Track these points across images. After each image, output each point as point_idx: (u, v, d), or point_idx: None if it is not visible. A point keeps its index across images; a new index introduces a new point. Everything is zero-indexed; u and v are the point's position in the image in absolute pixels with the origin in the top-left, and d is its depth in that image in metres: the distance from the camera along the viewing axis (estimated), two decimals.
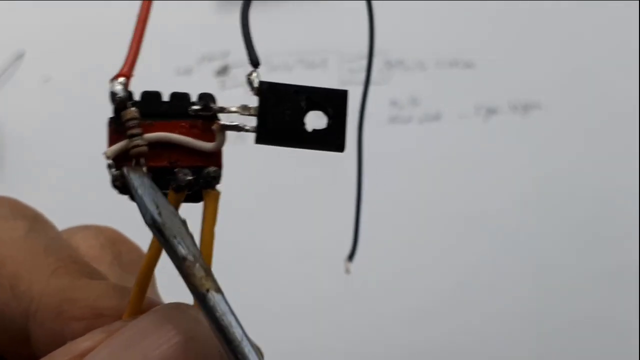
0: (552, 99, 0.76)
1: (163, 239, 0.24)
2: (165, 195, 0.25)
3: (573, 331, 0.68)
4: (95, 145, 0.74)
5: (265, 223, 0.71)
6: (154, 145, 0.25)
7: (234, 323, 0.22)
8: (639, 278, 0.68)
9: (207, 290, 0.23)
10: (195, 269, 0.23)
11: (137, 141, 0.24)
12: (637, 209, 0.71)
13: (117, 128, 0.25)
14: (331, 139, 0.24)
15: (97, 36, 0.76)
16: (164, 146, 0.25)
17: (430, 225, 0.71)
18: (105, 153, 0.25)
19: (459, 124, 0.76)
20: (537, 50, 0.78)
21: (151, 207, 0.24)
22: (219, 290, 0.23)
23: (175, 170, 0.25)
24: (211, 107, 0.25)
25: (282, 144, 0.24)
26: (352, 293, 0.69)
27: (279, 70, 0.77)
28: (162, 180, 0.25)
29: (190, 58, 0.78)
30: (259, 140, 0.24)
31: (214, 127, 0.25)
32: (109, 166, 0.25)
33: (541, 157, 0.74)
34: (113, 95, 0.24)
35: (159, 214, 0.24)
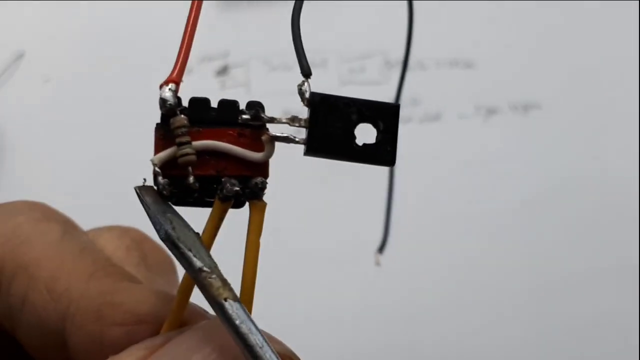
0: (552, 99, 0.76)
1: (178, 252, 0.24)
2: (211, 204, 0.25)
3: (573, 331, 0.68)
4: (95, 145, 0.74)
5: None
6: (201, 153, 0.24)
7: (253, 329, 0.22)
8: (639, 278, 0.69)
9: (225, 300, 0.23)
10: (212, 280, 0.23)
11: (186, 149, 0.24)
12: (637, 208, 0.71)
13: (165, 134, 0.24)
14: (381, 154, 0.24)
15: (97, 36, 0.76)
16: (212, 154, 0.24)
17: (429, 225, 0.71)
18: (152, 160, 0.24)
19: (459, 124, 0.76)
20: (537, 50, 0.78)
21: (165, 223, 0.24)
22: (236, 298, 0.23)
23: (223, 179, 0.24)
24: (261, 117, 0.24)
25: (331, 157, 0.24)
26: (352, 292, 0.69)
27: (279, 70, 0.76)
28: (209, 189, 0.25)
29: (190, 58, 0.77)
30: (309, 152, 0.24)
31: (264, 137, 0.24)
32: (156, 174, 0.24)
33: (541, 157, 0.74)
34: (163, 101, 0.24)
35: (173, 228, 0.24)
